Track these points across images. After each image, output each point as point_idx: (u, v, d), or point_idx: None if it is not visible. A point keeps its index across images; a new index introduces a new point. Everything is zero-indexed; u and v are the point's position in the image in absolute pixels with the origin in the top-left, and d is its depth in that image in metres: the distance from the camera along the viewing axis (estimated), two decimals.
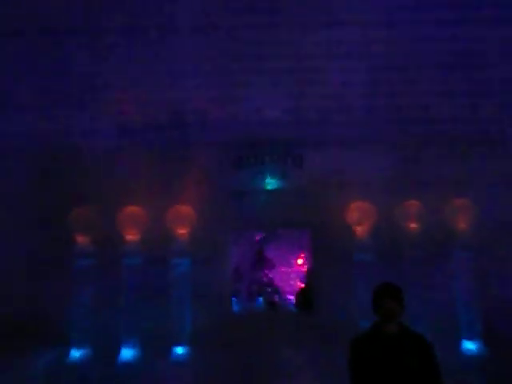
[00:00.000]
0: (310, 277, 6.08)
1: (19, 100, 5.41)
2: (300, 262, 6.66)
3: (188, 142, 5.32)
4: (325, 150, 5.09)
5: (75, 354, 4.71)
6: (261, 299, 6.11)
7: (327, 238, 5.02)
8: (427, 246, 4.74)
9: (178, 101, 5.39)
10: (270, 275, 6.37)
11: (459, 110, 5.22)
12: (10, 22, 5.53)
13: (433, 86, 5.33)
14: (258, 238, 6.43)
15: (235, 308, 5.75)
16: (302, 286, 6.15)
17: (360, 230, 4.86)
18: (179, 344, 4.79)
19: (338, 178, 5.04)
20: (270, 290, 5.91)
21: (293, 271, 6.71)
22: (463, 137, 5.09)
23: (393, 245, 4.79)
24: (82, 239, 4.85)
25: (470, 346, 4.66)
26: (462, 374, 4.23)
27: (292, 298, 6.12)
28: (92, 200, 4.87)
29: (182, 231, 4.90)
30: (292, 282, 6.60)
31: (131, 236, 4.86)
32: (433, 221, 4.74)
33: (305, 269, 6.40)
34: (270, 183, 5.22)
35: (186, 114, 5.43)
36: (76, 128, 5.39)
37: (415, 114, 5.25)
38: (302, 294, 5.88)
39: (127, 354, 4.73)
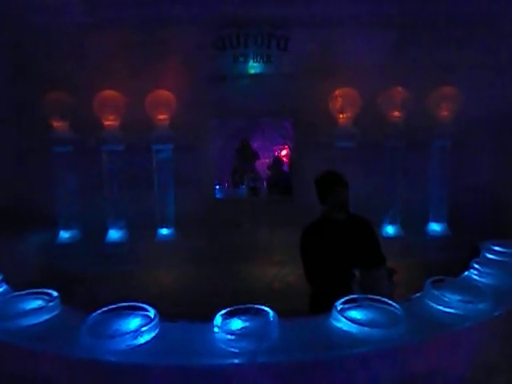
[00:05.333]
0: (281, 164, 6.25)
1: None
2: (284, 152, 6.71)
3: (166, 20, 4.89)
4: (312, 31, 4.76)
5: (64, 235, 4.92)
6: (243, 187, 6.25)
7: (310, 125, 4.99)
8: (408, 134, 4.76)
9: None
10: (254, 164, 6.44)
11: None
12: None
13: None
14: (240, 126, 6.34)
15: (218, 195, 5.92)
16: (273, 173, 6.30)
17: (343, 118, 4.81)
18: (163, 226, 5.02)
19: (324, 62, 4.80)
20: (252, 176, 6.03)
21: None
22: (461, 18, 4.76)
23: (375, 133, 4.79)
24: (58, 125, 4.71)
25: (436, 227, 4.99)
26: (426, 251, 4.65)
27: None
28: (66, 85, 4.63)
29: (162, 117, 4.78)
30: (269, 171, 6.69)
31: (110, 122, 4.73)
32: (416, 109, 4.68)
33: (283, 157, 6.50)
34: (253, 67, 4.97)
35: None
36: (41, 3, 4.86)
37: None
38: (273, 181, 6.08)
39: (114, 235, 4.96)
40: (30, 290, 2.43)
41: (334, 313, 1.99)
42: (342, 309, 2.02)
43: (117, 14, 4.83)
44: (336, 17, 4.70)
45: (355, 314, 2.01)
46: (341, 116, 4.80)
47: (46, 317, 2.24)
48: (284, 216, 4.85)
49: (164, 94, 4.75)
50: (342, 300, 2.06)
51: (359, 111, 4.77)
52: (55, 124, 4.70)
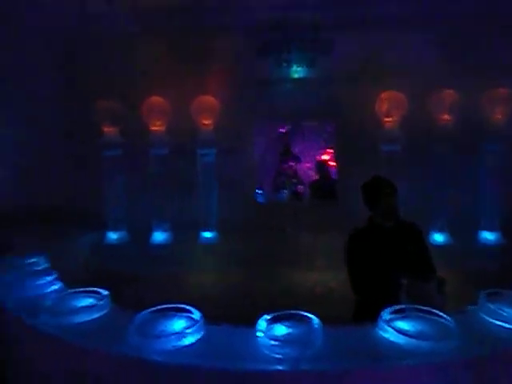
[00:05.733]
0: (324, 168, 6.15)
1: None
2: (326, 157, 6.64)
3: (210, 26, 4.98)
4: (357, 34, 4.67)
5: (112, 236, 5.11)
6: (285, 191, 6.25)
7: (354, 129, 4.90)
8: (458, 138, 4.57)
9: None
10: (295, 168, 6.42)
11: None
12: None
13: None
14: (283, 130, 6.35)
15: (260, 198, 5.94)
16: (316, 177, 6.23)
17: (389, 121, 4.69)
18: (206, 230, 5.10)
19: (369, 64, 4.70)
20: (294, 181, 6.01)
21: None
22: None
23: (422, 136, 4.64)
24: (109, 131, 4.92)
25: (488, 235, 4.75)
26: (478, 260, 4.43)
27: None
28: (116, 92, 4.82)
29: (207, 122, 4.88)
30: (314, 175, 6.65)
31: (157, 127, 4.88)
32: (467, 112, 4.49)
33: (326, 162, 6.41)
34: (297, 71, 4.96)
35: None
36: (92, 16, 5.08)
37: None
38: (316, 185, 6.01)
39: (159, 237, 5.10)
40: (83, 289, 2.55)
41: (381, 322, 1.94)
42: (388, 319, 1.96)
43: (163, 22, 4.98)
44: (381, 18, 4.59)
45: (403, 324, 1.95)
46: (387, 119, 4.69)
47: (97, 315, 2.34)
48: (327, 221, 4.79)
49: (209, 99, 4.84)
50: (389, 309, 2.00)
51: (406, 114, 4.63)
52: (106, 129, 4.91)
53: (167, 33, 4.92)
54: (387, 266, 2.50)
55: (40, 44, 5.03)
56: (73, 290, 2.56)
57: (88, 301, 2.47)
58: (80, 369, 2.14)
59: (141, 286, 4.39)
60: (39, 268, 3.24)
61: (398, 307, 2.02)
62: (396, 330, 1.88)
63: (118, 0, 4.95)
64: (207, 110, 4.85)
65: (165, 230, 5.09)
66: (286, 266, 4.62)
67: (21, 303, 2.61)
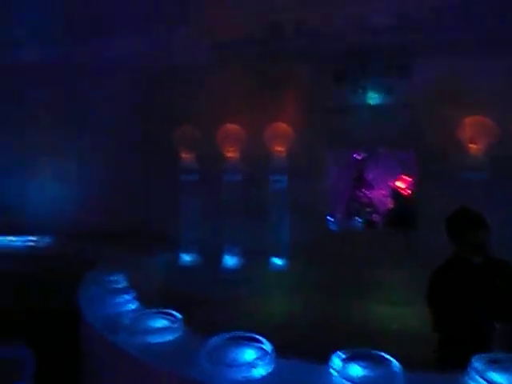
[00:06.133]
0: (400, 196, 5.85)
1: (120, 22, 5.58)
2: (402, 184, 6.35)
3: (285, 54, 5.09)
4: (436, 58, 4.49)
5: (186, 258, 5.27)
6: (359, 219, 6.05)
7: (434, 156, 4.65)
8: None
9: (274, 11, 5.09)
10: (370, 195, 6.21)
11: None
12: None
13: None
14: (357, 156, 6.20)
15: (332, 226, 5.80)
16: (392, 205, 5.94)
17: (474, 148, 4.39)
18: (277, 256, 5.07)
19: (451, 89, 4.47)
20: (369, 209, 5.81)
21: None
22: None
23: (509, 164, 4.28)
24: (186, 156, 5.16)
25: None
26: None
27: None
28: (193, 119, 5.07)
29: (280, 148, 4.92)
30: (389, 204, 6.38)
31: (231, 153, 5.03)
32: None
33: (402, 189, 6.12)
34: (374, 98, 4.86)
35: (282, 24, 5.15)
36: (172, 47, 5.45)
37: None
38: (393, 214, 5.72)
39: (230, 261, 5.16)
40: (158, 310, 2.63)
41: (471, 371, 1.75)
42: (479, 368, 1.76)
43: (239, 51, 5.19)
44: (461, 42, 4.39)
45: (496, 376, 1.74)
46: (471, 146, 4.39)
47: (170, 337, 2.39)
48: (404, 252, 4.54)
49: (282, 126, 4.90)
50: (480, 356, 1.80)
51: (493, 141, 4.31)
52: (183, 155, 5.15)
53: (243, 61, 5.10)
54: (477, 306, 2.28)
55: (122, 73, 5.50)
56: (149, 311, 2.66)
57: (162, 322, 2.55)
58: None
59: (211, 309, 4.44)
60: (119, 286, 3.42)
61: (490, 355, 1.82)
62: (489, 381, 1.68)
63: (199, 31, 5.30)
64: (281, 137, 4.90)
65: (236, 255, 5.14)
66: (359, 297, 4.41)
67: (102, 320, 2.76)
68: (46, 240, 5.57)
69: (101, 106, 5.39)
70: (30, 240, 5.60)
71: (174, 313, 2.54)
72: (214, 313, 4.33)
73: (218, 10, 5.23)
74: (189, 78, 5.20)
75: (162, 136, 5.12)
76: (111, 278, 3.53)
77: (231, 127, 4.99)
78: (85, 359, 3.15)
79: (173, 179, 5.13)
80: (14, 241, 5.64)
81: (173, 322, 2.46)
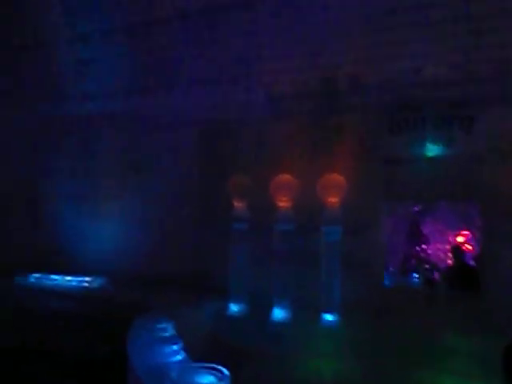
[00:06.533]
0: (461, 253, 5.44)
1: (183, 75, 5.94)
2: (462, 240, 5.97)
3: (340, 108, 5.15)
4: (501, 109, 4.33)
5: (234, 308, 5.17)
6: (416, 276, 5.70)
7: (500, 212, 4.36)
8: None
9: (329, 66, 5.21)
10: (428, 251, 5.87)
11: None
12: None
13: None
14: (414, 209, 5.96)
15: (387, 282, 5.50)
16: (452, 262, 5.54)
17: None
18: (328, 312, 4.84)
19: None
20: (427, 266, 5.46)
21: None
22: None
23: None
24: (238, 205, 5.21)
25: None
26: None
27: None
28: (247, 168, 5.16)
29: (333, 200, 4.83)
30: (449, 261, 5.99)
31: (283, 203, 5.01)
32: None
33: (463, 246, 5.72)
34: (432, 150, 4.71)
35: (338, 79, 5.24)
36: (231, 101, 5.70)
37: None
38: (454, 272, 5.32)
39: (279, 314, 4.99)
40: (205, 364, 2.55)
41: None
42: None
43: (294, 104, 5.32)
44: None
45: None
46: None
47: None
48: (468, 316, 4.16)
49: (336, 177, 4.84)
50: None
51: None
52: (235, 203, 5.20)
53: (298, 113, 5.20)
54: None
55: (185, 124, 5.79)
56: (196, 365, 2.58)
57: (209, 378, 2.45)
58: None
59: (257, 364, 4.28)
60: (166, 334, 3.38)
61: None
62: None
63: (256, 85, 5.52)
64: (334, 187, 4.83)
65: (285, 307, 4.97)
66: (417, 365, 4.04)
67: (148, 369, 2.71)
68: (99, 281, 5.73)
69: (163, 155, 5.67)
70: (85, 281, 5.78)
71: (222, 369, 2.44)
72: (260, 368, 4.16)
73: (274, 65, 5.45)
74: (245, 130, 5.36)
75: (216, 185, 5.24)
76: (159, 326, 3.50)
77: (284, 177, 5.01)
78: None
79: (224, 228, 5.17)
80: (70, 280, 5.85)
81: (219, 379, 2.36)
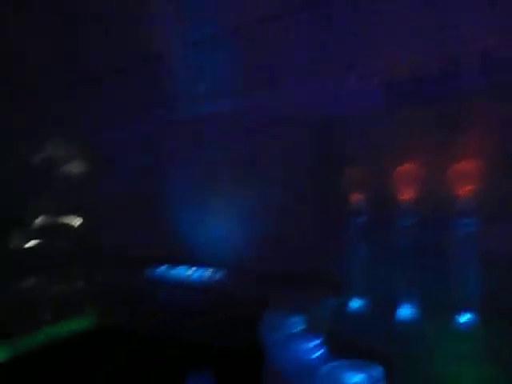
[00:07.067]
0: None
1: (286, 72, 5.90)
2: None
3: (466, 90, 4.68)
4: None
5: (354, 304, 5.01)
6: None
7: None
8: None
9: (454, 42, 4.75)
10: None
11: None
12: None
13: None
14: None
15: None
16: None
17: None
18: (462, 312, 4.44)
19: None
20: None
21: None
22: None
23: None
24: (357, 198, 5.02)
25: None
26: None
27: None
28: (365, 160, 4.96)
29: (466, 189, 4.42)
30: None
31: (406, 195, 4.71)
32: None
33: None
34: None
35: (463, 58, 4.76)
36: (342, 92, 5.50)
37: None
38: None
39: (404, 312, 4.71)
40: (354, 361, 2.46)
41: None
42: None
43: (411, 91, 4.95)
44: None
45: None
46: None
47: None
48: None
49: (468, 164, 4.42)
50: None
51: None
52: (354, 197, 5.02)
53: (420, 99, 4.84)
54: None
55: (291, 121, 5.74)
56: (344, 362, 2.50)
57: (360, 376, 2.36)
58: None
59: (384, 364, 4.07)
60: (299, 329, 3.36)
61: None
62: None
63: (369, 73, 5.27)
64: (465, 176, 4.42)
65: (411, 306, 4.68)
66: None
67: (291, 365, 2.69)
68: (219, 274, 5.96)
69: (276, 152, 5.71)
70: (206, 273, 6.05)
71: (375, 366, 2.33)
72: (387, 369, 3.94)
73: (389, 48, 5.14)
74: (359, 119, 5.15)
75: (333, 179, 5.13)
76: (291, 321, 3.50)
77: (408, 167, 4.71)
78: None
79: (343, 222, 5.03)
80: (190, 273, 6.17)
81: (373, 377, 2.26)
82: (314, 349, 2.86)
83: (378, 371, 2.28)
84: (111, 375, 4.52)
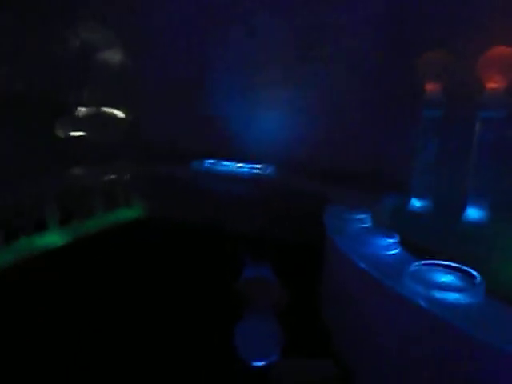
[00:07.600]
0: None
1: None
2: None
3: None
4: None
5: (416, 203, 4.73)
6: None
7: None
8: None
9: None
10: None
11: None
12: None
13: None
14: None
15: None
16: None
17: None
18: None
19: None
20: None
21: None
22: None
23: None
24: (432, 87, 4.42)
25: None
26: None
27: None
28: (446, 42, 4.25)
29: None
30: None
31: (494, 84, 4.07)
32: None
33: None
34: None
35: None
36: None
37: None
38: None
39: (473, 213, 4.40)
40: (443, 263, 2.24)
41: None
42: None
43: None
44: None
45: None
46: None
47: (469, 299, 1.97)
48: None
49: None
50: None
51: None
52: (428, 86, 4.42)
53: None
54: None
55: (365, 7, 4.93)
56: (430, 261, 2.28)
57: (449, 278, 2.14)
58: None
59: None
60: (367, 225, 3.15)
61: None
62: None
63: None
64: None
65: (482, 207, 4.34)
66: None
67: (371, 262, 2.51)
68: (270, 169, 5.74)
69: (340, 39, 5.00)
70: (256, 168, 5.85)
71: (471, 271, 2.10)
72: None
73: None
74: None
75: (404, 65, 4.49)
76: (358, 217, 3.27)
77: (500, 51, 3.99)
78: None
79: (414, 116, 4.51)
80: (241, 167, 5.98)
81: (470, 282, 2.03)
82: (393, 246, 2.65)
83: (471, 273, 2.04)
84: (161, 264, 4.60)
